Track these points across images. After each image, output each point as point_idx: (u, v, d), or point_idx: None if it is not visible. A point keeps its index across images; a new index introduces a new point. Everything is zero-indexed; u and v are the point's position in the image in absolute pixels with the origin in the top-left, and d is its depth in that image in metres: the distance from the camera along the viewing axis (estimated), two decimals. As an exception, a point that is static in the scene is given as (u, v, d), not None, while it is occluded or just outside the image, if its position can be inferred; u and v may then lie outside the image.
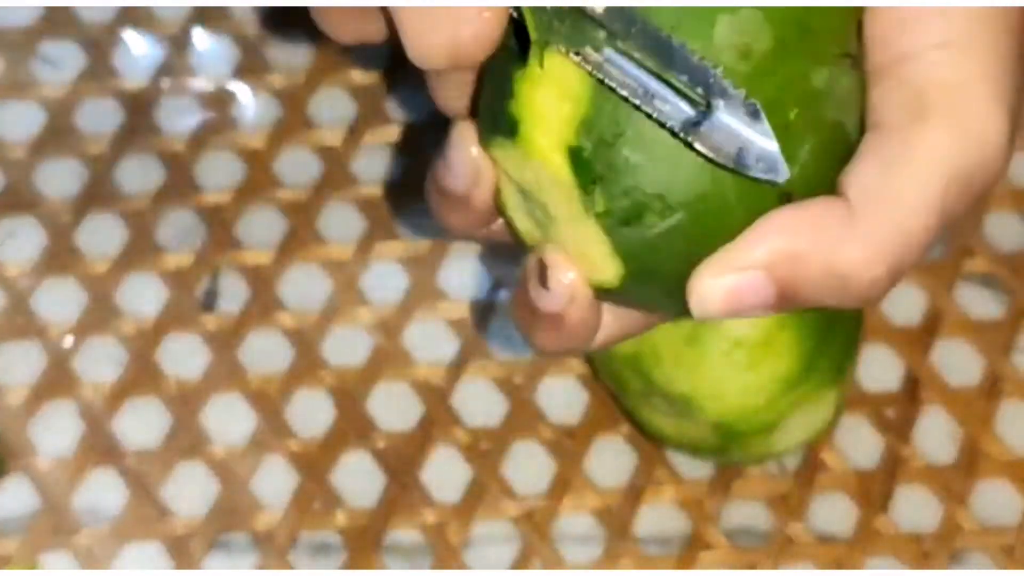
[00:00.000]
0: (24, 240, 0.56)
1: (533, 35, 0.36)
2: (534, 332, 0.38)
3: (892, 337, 0.55)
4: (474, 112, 0.39)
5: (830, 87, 0.36)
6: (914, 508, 0.53)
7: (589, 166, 0.36)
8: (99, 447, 0.53)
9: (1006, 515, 0.53)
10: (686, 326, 0.49)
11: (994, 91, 0.35)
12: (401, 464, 0.53)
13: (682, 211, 0.36)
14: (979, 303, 0.56)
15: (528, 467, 0.53)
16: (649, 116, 0.35)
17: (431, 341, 0.55)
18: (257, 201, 0.57)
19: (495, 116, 0.38)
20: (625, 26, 0.36)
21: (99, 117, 0.58)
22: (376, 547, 0.52)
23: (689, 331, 0.49)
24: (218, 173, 0.58)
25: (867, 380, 0.55)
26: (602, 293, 0.38)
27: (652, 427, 0.52)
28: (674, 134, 0.35)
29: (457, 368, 0.55)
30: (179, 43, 0.60)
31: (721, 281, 0.35)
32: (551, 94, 0.36)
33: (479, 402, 0.54)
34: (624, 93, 0.35)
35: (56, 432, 0.53)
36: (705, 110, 0.35)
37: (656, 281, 0.37)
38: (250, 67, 0.59)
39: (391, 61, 0.60)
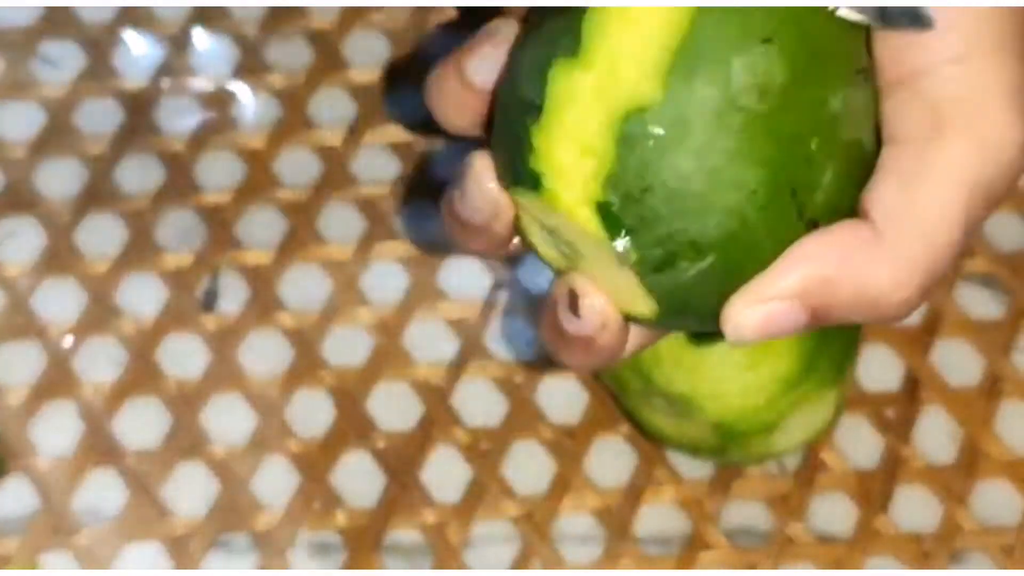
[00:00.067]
0: (24, 240, 0.56)
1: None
2: (564, 353, 0.38)
3: (892, 337, 0.55)
4: (487, 133, 0.39)
5: (846, 108, 0.36)
6: (914, 508, 0.53)
7: (618, 220, 0.36)
8: (99, 447, 0.53)
9: (1006, 515, 0.53)
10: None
11: (1007, 100, 0.36)
12: (401, 464, 0.53)
13: (713, 253, 0.36)
14: (979, 303, 0.56)
15: (528, 467, 0.53)
16: None
17: (431, 341, 0.55)
18: (257, 201, 0.57)
19: (515, 166, 0.38)
20: None
21: (99, 117, 0.58)
22: (376, 547, 0.52)
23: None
24: (218, 173, 0.58)
25: (867, 380, 0.55)
26: (633, 320, 0.38)
27: (652, 427, 0.52)
28: None
29: (457, 368, 0.55)
30: (179, 43, 0.60)
31: (755, 310, 0.36)
32: (572, 149, 0.36)
33: (479, 402, 0.54)
34: None
35: (56, 432, 0.53)
36: None
37: (690, 314, 0.38)
38: (250, 67, 0.59)
39: (391, 61, 0.60)
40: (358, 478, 0.53)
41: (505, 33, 0.38)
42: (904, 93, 0.36)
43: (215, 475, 0.53)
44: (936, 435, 0.54)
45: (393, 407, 0.54)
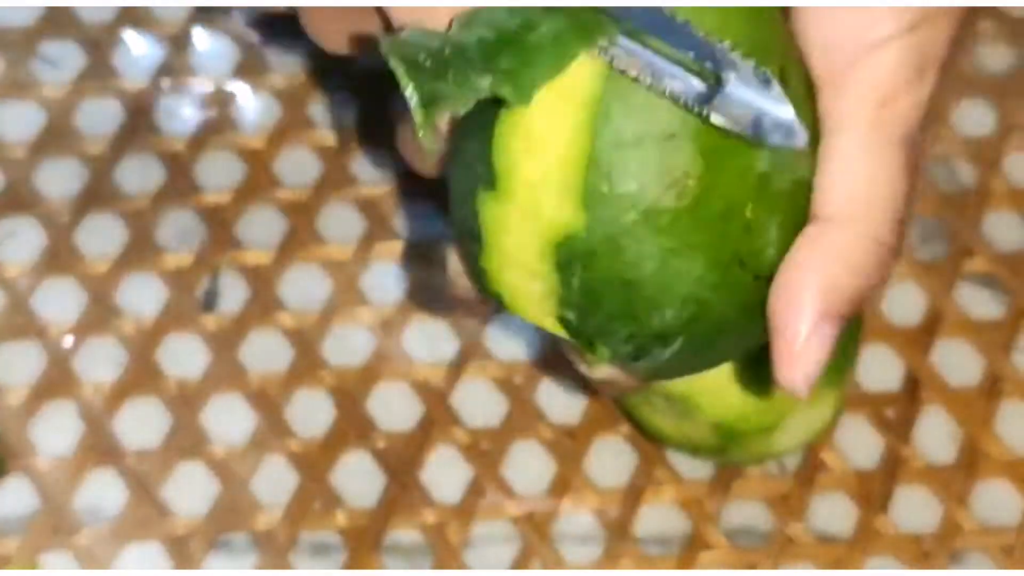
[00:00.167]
0: (24, 240, 0.56)
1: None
2: (597, 387, 0.40)
3: (892, 337, 0.55)
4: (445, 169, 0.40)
5: (775, 159, 0.36)
6: (914, 508, 0.53)
7: (581, 331, 0.37)
8: (99, 447, 0.53)
9: (1006, 515, 0.53)
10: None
11: (910, 58, 0.36)
12: (401, 464, 0.53)
13: (681, 336, 0.37)
14: (979, 303, 0.56)
15: (528, 467, 0.53)
16: (662, 94, 0.35)
17: (431, 341, 0.55)
18: (257, 201, 0.57)
19: (478, 283, 0.38)
20: (625, 14, 0.36)
21: (99, 117, 0.58)
22: (376, 547, 0.52)
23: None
24: (218, 173, 0.58)
25: (867, 380, 0.55)
26: None
27: (652, 427, 0.52)
28: (688, 109, 0.35)
29: (457, 368, 0.55)
30: (179, 43, 0.60)
31: (801, 366, 0.37)
32: (518, 274, 0.37)
33: (479, 402, 0.54)
34: (634, 74, 0.35)
35: (56, 432, 0.53)
36: (716, 84, 0.35)
37: (683, 374, 0.39)
38: (250, 67, 0.59)
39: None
40: (358, 478, 0.53)
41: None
42: (846, 91, 0.37)
43: (215, 475, 0.53)
44: (936, 435, 0.54)
45: (393, 407, 0.54)
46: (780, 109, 0.35)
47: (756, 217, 0.36)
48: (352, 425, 0.54)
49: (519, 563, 0.52)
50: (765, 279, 0.37)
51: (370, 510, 0.53)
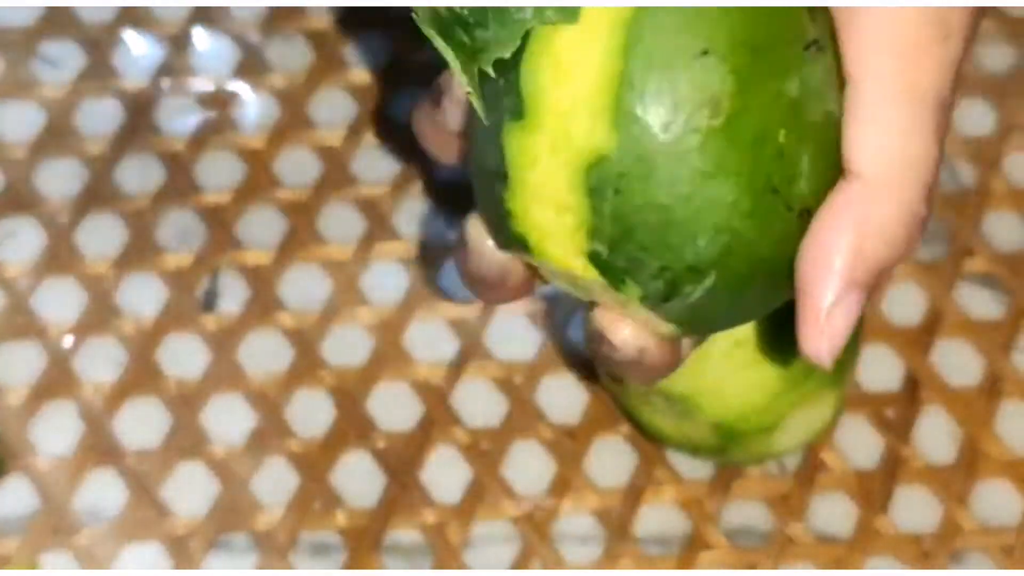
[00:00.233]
0: (24, 240, 0.56)
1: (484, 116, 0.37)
2: (623, 375, 0.39)
3: (892, 337, 0.55)
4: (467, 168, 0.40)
5: (805, 88, 0.36)
6: (914, 508, 0.53)
7: (611, 265, 0.36)
8: (99, 447, 0.53)
9: (1006, 515, 0.53)
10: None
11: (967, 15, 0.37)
12: (401, 464, 0.53)
13: (714, 271, 0.36)
14: (979, 303, 0.56)
15: (528, 467, 0.53)
16: None
17: (431, 341, 0.55)
18: (257, 201, 0.57)
19: (501, 231, 0.38)
20: None
21: (99, 117, 0.58)
22: (376, 547, 0.52)
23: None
24: (218, 173, 0.58)
25: (867, 380, 0.55)
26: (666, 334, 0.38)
27: (652, 427, 0.52)
28: None
29: (457, 368, 0.55)
30: (179, 43, 0.60)
31: (826, 331, 0.37)
32: (547, 209, 0.36)
33: (479, 402, 0.54)
34: None
35: (56, 432, 0.53)
36: None
37: (715, 324, 0.38)
38: (250, 67, 0.59)
39: (391, 61, 0.60)
40: (358, 478, 0.53)
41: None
42: (866, 34, 0.37)
43: (215, 475, 0.53)
44: (936, 435, 0.54)
45: (393, 407, 0.54)
46: None
47: (788, 143, 0.35)
48: (352, 425, 0.54)
49: (519, 563, 0.52)
50: (797, 213, 0.36)
51: (370, 510, 0.53)
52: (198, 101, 0.59)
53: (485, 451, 0.53)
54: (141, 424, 0.54)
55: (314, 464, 0.53)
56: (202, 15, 0.60)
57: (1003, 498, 0.53)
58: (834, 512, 0.53)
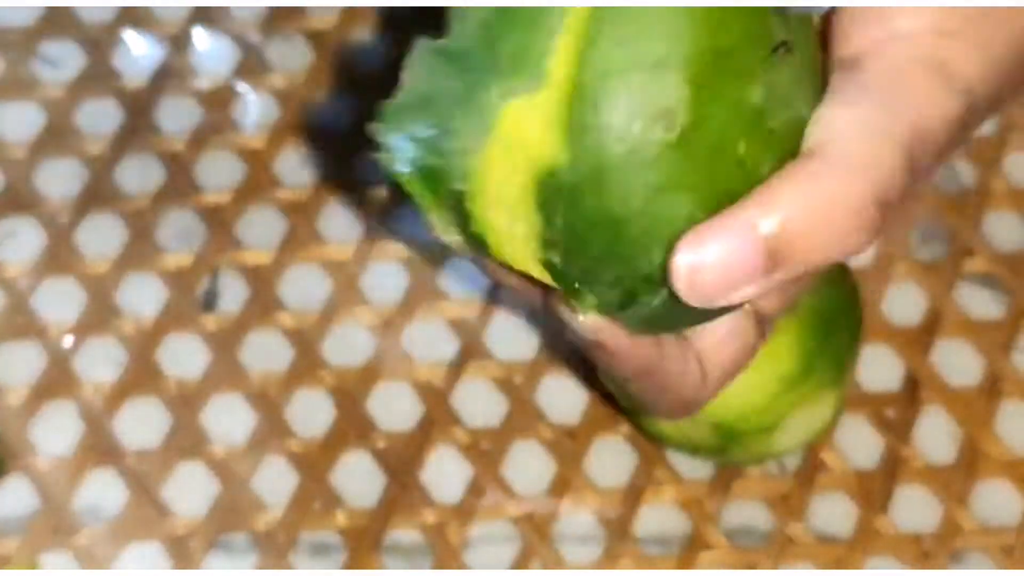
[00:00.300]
0: (24, 240, 0.56)
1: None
2: (594, 362, 0.38)
3: (892, 337, 0.55)
4: None
5: (771, 92, 0.34)
6: (914, 508, 0.53)
7: (566, 275, 0.35)
8: (99, 447, 0.53)
9: (1006, 515, 0.53)
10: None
11: (978, 56, 0.35)
12: (401, 464, 0.53)
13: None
14: (979, 303, 0.56)
15: (528, 467, 0.53)
16: None
17: (431, 341, 0.55)
18: (257, 201, 0.57)
19: (463, 230, 0.37)
20: None
21: (99, 117, 0.58)
22: (376, 547, 0.52)
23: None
24: (218, 173, 0.58)
25: (867, 380, 0.55)
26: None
27: (652, 427, 0.52)
28: None
29: (457, 368, 0.55)
30: (179, 43, 0.60)
31: (705, 250, 0.33)
32: (502, 215, 0.35)
33: (479, 402, 0.54)
34: None
35: (56, 432, 0.53)
36: None
37: (675, 328, 0.37)
38: (250, 67, 0.59)
39: (391, 61, 0.60)
40: (358, 478, 0.53)
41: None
42: (863, 60, 0.35)
43: (215, 475, 0.53)
44: (936, 435, 0.54)
45: (393, 407, 0.54)
46: None
47: (749, 153, 0.34)
48: (352, 425, 0.54)
49: (519, 563, 0.52)
50: None
51: (370, 510, 0.53)
52: (198, 101, 0.59)
53: (485, 451, 0.53)
54: (141, 424, 0.54)
55: (314, 464, 0.53)
56: (202, 15, 0.60)
57: (1003, 498, 0.53)
58: (834, 512, 0.53)
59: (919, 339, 0.55)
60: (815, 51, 0.36)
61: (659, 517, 0.53)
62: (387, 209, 0.57)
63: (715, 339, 0.39)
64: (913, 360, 0.55)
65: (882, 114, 0.34)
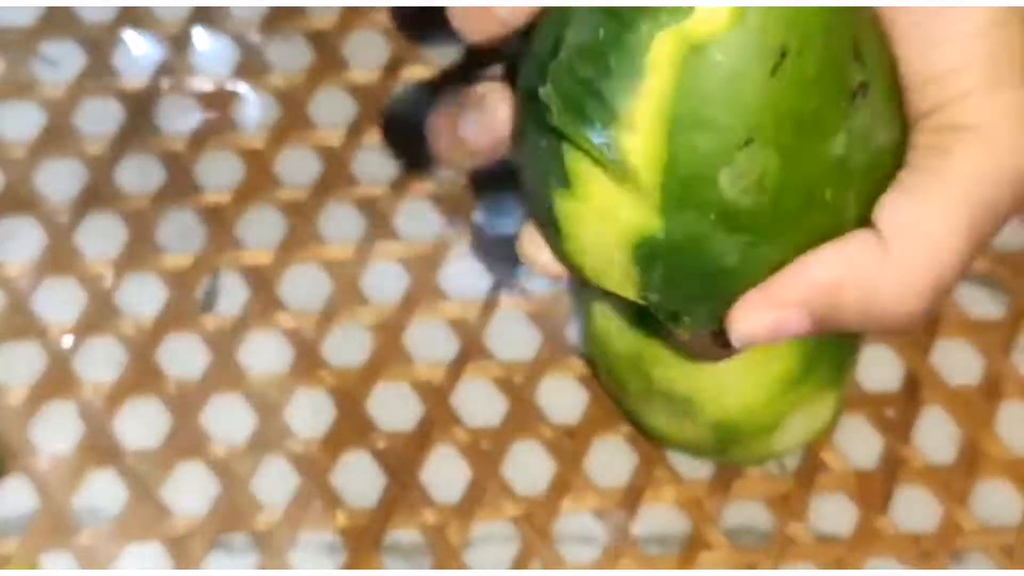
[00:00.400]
0: (24, 240, 0.56)
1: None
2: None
3: (892, 337, 0.55)
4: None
5: (852, 137, 0.36)
6: (914, 508, 0.53)
7: (664, 307, 0.38)
8: (99, 447, 0.53)
9: (1006, 515, 0.53)
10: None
11: (1016, 123, 0.36)
12: (401, 464, 0.53)
13: None
14: (979, 303, 0.56)
15: (528, 467, 0.53)
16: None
17: (431, 341, 0.55)
18: (257, 201, 0.57)
19: (558, 258, 0.39)
20: None
21: (99, 117, 0.58)
22: (376, 547, 0.52)
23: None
24: (218, 173, 0.58)
25: (867, 380, 0.55)
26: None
27: (652, 427, 0.52)
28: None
29: (457, 368, 0.55)
30: (179, 43, 0.60)
31: (761, 316, 0.37)
32: (596, 259, 0.37)
33: (479, 402, 0.54)
34: None
35: (56, 432, 0.53)
36: None
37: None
38: (250, 67, 0.59)
39: (391, 61, 0.60)
40: (358, 478, 0.53)
41: (491, 102, 0.39)
42: (924, 129, 0.37)
43: (215, 475, 0.53)
44: (936, 435, 0.54)
45: (393, 407, 0.54)
46: None
47: (834, 197, 0.36)
48: (352, 425, 0.54)
49: (519, 563, 0.52)
50: None
51: (370, 510, 0.53)
52: (198, 101, 0.59)
53: (485, 451, 0.53)
54: (141, 424, 0.54)
55: (314, 464, 0.53)
56: (202, 15, 0.60)
57: (1003, 498, 0.53)
58: (834, 512, 0.53)
59: (919, 339, 0.55)
60: (890, 71, 0.37)
61: (659, 517, 0.53)
62: (387, 209, 0.57)
63: None
64: (913, 360, 0.55)
65: (941, 200, 0.36)
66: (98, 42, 0.60)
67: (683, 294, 0.36)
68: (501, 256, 0.56)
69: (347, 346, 0.55)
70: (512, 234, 0.42)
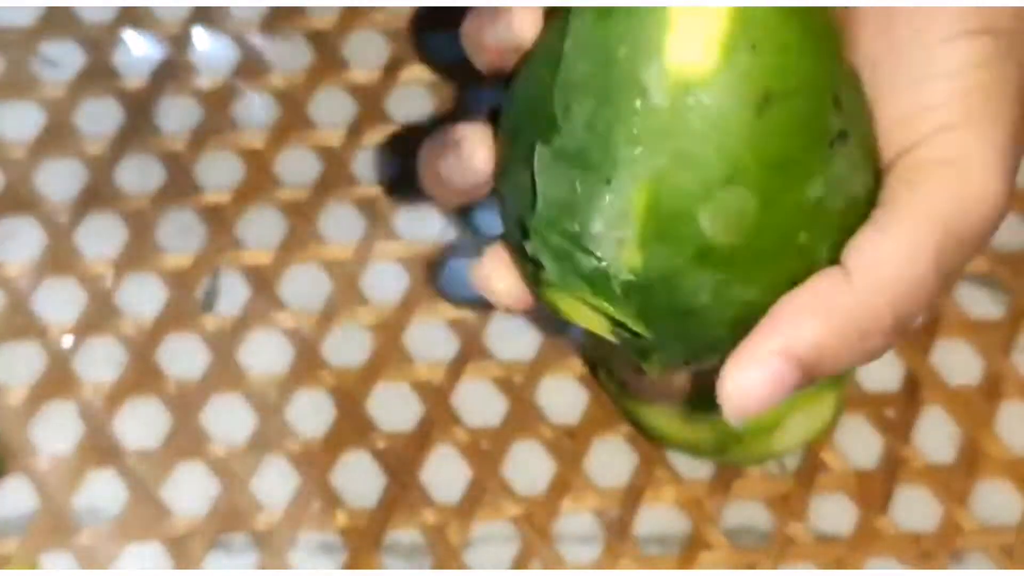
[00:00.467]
0: (24, 240, 0.56)
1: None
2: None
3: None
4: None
5: (829, 184, 0.36)
6: (914, 508, 0.53)
7: (636, 344, 0.38)
8: (99, 447, 0.53)
9: (1006, 515, 0.53)
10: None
11: (990, 159, 0.36)
12: (401, 464, 0.53)
13: (733, 343, 0.37)
14: (979, 303, 0.56)
15: (528, 467, 0.53)
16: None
17: (431, 341, 0.55)
18: (257, 201, 0.57)
19: (533, 292, 0.39)
20: None
21: (99, 117, 0.58)
22: (376, 547, 0.52)
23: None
24: (218, 173, 0.58)
25: (867, 380, 0.55)
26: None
27: (652, 427, 0.52)
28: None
29: (457, 368, 0.55)
30: (179, 43, 0.60)
31: (751, 373, 0.36)
32: (575, 300, 0.38)
33: (479, 402, 0.54)
34: None
35: (56, 432, 0.53)
36: None
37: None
38: (250, 67, 0.59)
39: (391, 61, 0.60)
40: (358, 478, 0.53)
41: (467, 147, 0.39)
42: (895, 171, 0.37)
43: (215, 475, 0.53)
44: (936, 435, 0.54)
45: (393, 407, 0.54)
46: None
47: (809, 240, 0.36)
48: (352, 425, 0.54)
49: (519, 563, 0.52)
50: None
51: (370, 510, 0.53)
52: (198, 101, 0.59)
53: (485, 451, 0.53)
54: (141, 424, 0.54)
55: (314, 464, 0.53)
56: (202, 15, 0.60)
57: (1003, 498, 0.53)
58: (834, 512, 0.53)
59: (919, 339, 0.55)
60: (867, 123, 0.37)
61: (659, 517, 0.53)
62: (387, 209, 0.57)
63: None
64: (913, 360, 0.55)
65: (907, 231, 0.36)
66: (98, 42, 0.60)
67: (654, 332, 0.37)
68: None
69: (347, 346, 0.55)
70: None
